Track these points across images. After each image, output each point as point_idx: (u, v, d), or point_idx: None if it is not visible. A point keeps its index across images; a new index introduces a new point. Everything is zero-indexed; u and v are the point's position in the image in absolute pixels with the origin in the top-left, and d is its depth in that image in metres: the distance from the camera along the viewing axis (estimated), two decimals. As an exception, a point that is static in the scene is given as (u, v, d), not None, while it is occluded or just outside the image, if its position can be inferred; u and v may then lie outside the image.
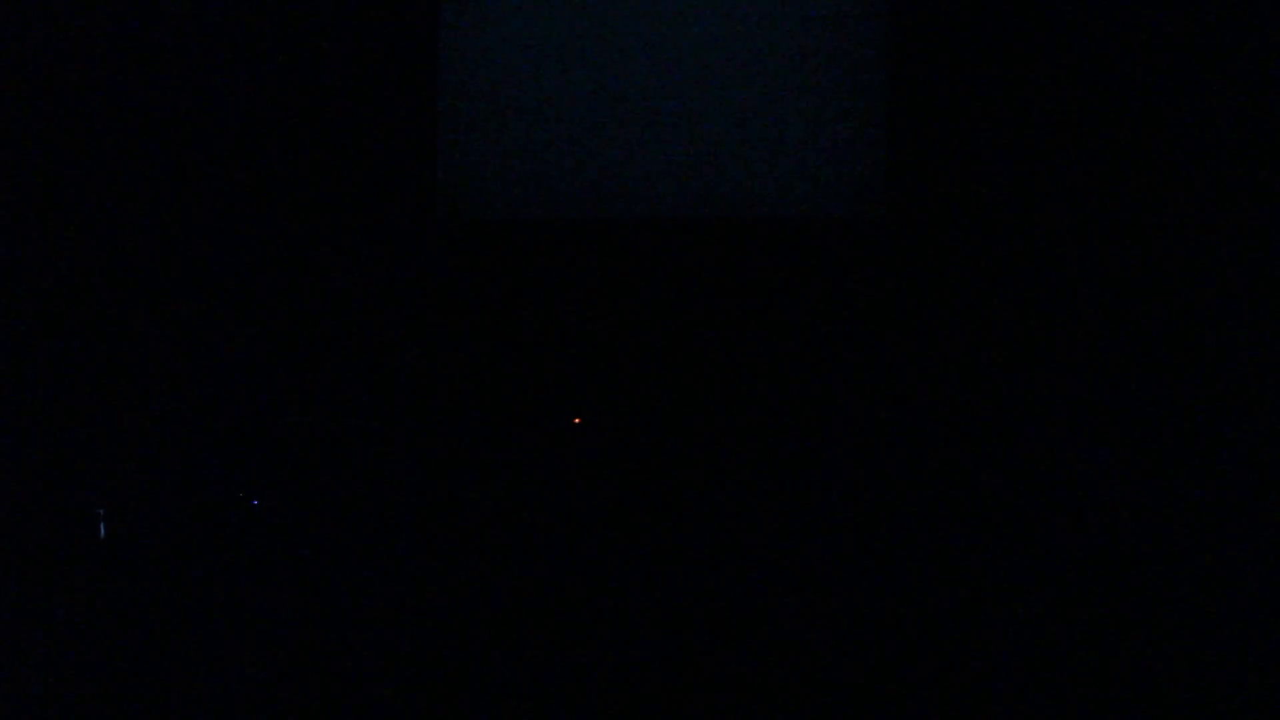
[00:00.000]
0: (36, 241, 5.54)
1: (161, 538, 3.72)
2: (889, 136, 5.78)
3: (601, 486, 4.36)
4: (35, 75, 5.58)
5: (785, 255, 6.02)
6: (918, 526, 3.87)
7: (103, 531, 3.26)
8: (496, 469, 4.93)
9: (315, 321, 5.90)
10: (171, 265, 6.01)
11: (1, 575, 3.46)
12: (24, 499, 3.80)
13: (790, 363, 5.76)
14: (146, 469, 4.44)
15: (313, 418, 5.34)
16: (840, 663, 3.32)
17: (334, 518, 4.00)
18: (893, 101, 5.80)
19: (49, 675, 3.26)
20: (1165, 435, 5.51)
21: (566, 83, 6.07)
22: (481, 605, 3.63)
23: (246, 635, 3.39)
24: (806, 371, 5.71)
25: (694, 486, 4.35)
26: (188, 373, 5.79)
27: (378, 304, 5.71)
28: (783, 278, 5.88)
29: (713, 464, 4.58)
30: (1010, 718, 3.17)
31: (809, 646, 3.39)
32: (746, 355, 5.88)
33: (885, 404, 5.45)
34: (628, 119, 6.02)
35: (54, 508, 3.77)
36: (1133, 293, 5.78)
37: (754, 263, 5.93)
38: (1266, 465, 4.33)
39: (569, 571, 3.77)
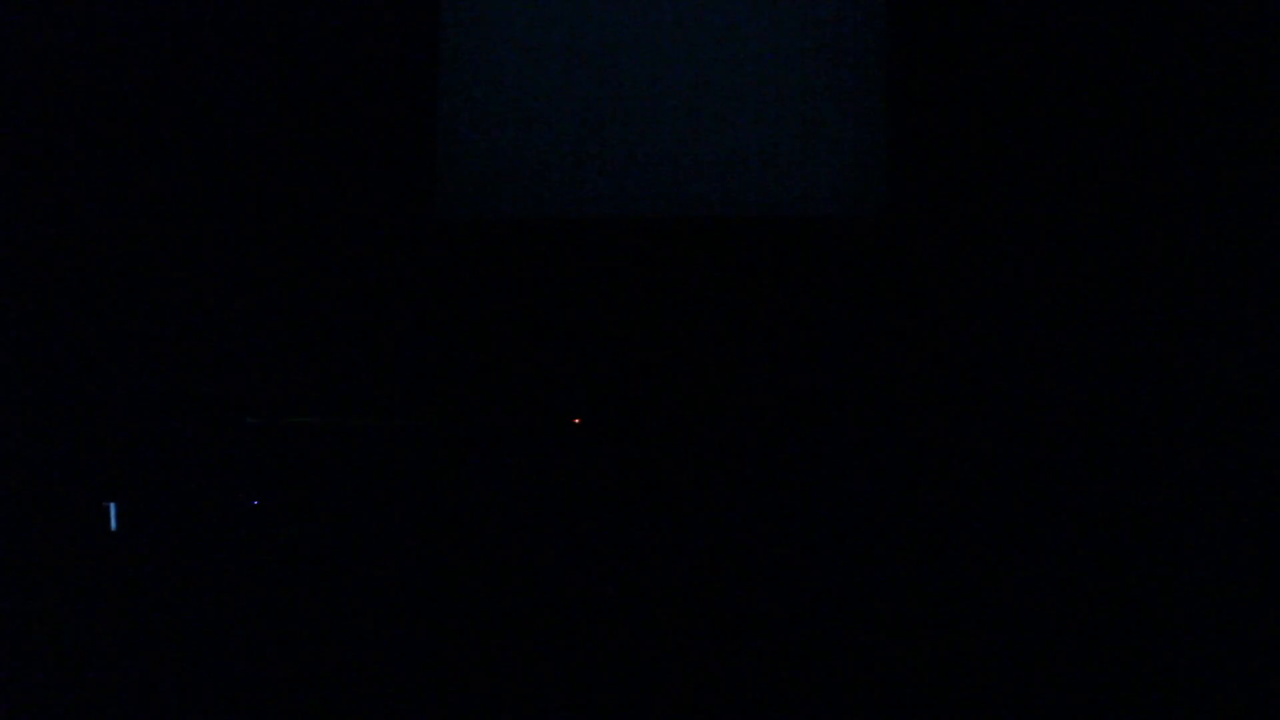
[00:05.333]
0: (35, 240, 5.54)
1: (161, 537, 3.72)
2: (888, 137, 5.81)
3: (600, 483, 4.36)
4: (36, 75, 5.57)
5: (785, 253, 6.04)
6: (917, 522, 3.87)
7: (114, 524, 3.27)
8: (494, 465, 4.93)
9: (314, 317, 5.90)
10: (171, 262, 6.01)
11: (2, 574, 3.47)
12: (25, 498, 3.80)
13: (790, 359, 5.77)
14: (146, 468, 4.45)
15: (311, 415, 5.34)
16: (840, 662, 3.32)
17: (333, 514, 4.01)
18: (891, 103, 5.84)
19: (48, 675, 3.27)
20: (1162, 430, 5.51)
21: (565, 82, 6.08)
22: (479, 600, 3.63)
23: (245, 635, 3.40)
24: (806, 367, 5.72)
25: (692, 483, 4.35)
26: (185, 370, 5.79)
27: (376, 300, 5.72)
28: (782, 275, 5.90)
29: (711, 460, 4.58)
30: (1010, 718, 3.17)
31: (809, 646, 3.39)
32: (745, 351, 5.89)
33: (883, 400, 5.46)
34: (627, 119, 6.03)
35: (55, 507, 3.78)
36: (1130, 290, 5.79)
37: (754, 260, 5.95)
38: (1266, 464, 4.33)
39: (566, 569, 3.78)
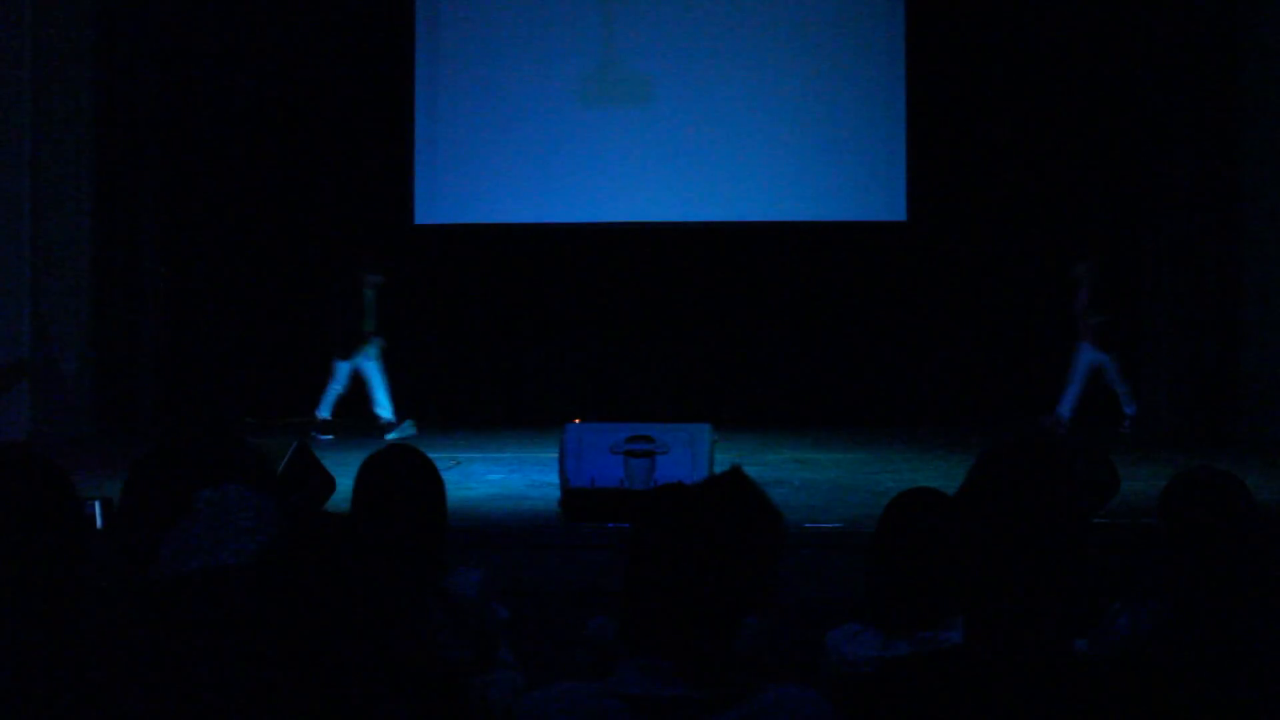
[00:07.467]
0: (28, 242, 5.45)
1: (157, 536, 3.65)
2: (909, 153, 6.08)
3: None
4: (26, 76, 5.50)
5: (806, 258, 6.18)
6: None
7: (99, 522, 3.17)
8: (493, 464, 4.87)
9: (293, 321, 5.84)
10: (166, 265, 5.94)
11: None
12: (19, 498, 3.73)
13: (801, 361, 5.79)
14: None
15: (305, 415, 5.26)
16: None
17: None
18: (913, 117, 6.12)
19: (40, 677, 3.18)
20: (1163, 426, 5.50)
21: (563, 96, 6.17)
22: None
23: (244, 635, 3.33)
24: (821, 370, 5.75)
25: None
26: (183, 370, 5.69)
27: (355, 305, 5.68)
28: (813, 275, 5.99)
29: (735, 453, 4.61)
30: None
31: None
32: (757, 354, 5.91)
33: (896, 404, 5.47)
34: (636, 129, 6.19)
35: (54, 505, 3.70)
36: (1134, 295, 5.84)
37: (776, 265, 6.04)
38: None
39: (569, 570, 3.75)
